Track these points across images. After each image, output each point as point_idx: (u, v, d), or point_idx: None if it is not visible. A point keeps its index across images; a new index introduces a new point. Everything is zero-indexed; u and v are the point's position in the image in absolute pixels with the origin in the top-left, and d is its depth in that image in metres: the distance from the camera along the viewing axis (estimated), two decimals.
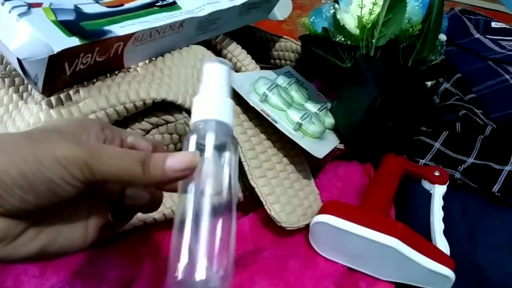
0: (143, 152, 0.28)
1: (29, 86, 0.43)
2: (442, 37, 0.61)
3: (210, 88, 0.28)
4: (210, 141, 0.27)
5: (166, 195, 0.46)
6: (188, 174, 0.26)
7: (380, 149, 0.55)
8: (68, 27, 0.37)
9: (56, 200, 0.24)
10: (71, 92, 0.40)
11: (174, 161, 0.26)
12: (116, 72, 0.43)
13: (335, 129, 0.54)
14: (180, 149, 0.48)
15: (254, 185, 0.44)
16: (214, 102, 0.28)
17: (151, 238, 0.45)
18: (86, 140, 0.27)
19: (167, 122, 0.44)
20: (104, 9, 0.41)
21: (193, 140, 0.27)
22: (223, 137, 0.27)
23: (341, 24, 0.55)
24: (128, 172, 0.25)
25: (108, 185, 0.29)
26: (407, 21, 0.54)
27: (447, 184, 0.51)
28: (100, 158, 0.24)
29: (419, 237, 0.43)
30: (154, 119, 0.44)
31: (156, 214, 0.44)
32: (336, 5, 0.56)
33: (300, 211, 0.45)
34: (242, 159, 0.45)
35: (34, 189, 0.23)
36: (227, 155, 0.27)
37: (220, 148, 0.27)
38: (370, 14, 0.52)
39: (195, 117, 0.28)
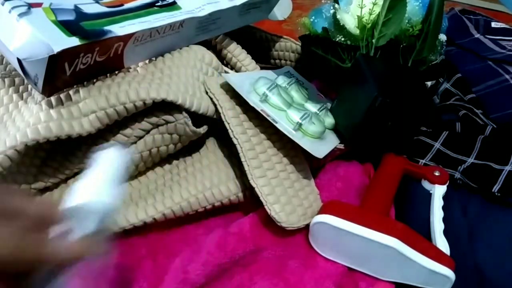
0: None
1: (29, 86, 0.43)
2: (442, 37, 0.61)
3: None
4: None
5: (167, 194, 0.46)
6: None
7: (380, 149, 0.55)
8: (68, 27, 0.37)
9: None
10: (71, 92, 0.40)
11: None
12: (116, 72, 0.43)
13: (335, 129, 0.54)
14: (180, 149, 0.48)
15: (254, 185, 0.44)
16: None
17: (151, 238, 0.45)
18: None
19: (167, 122, 0.44)
20: (104, 9, 0.41)
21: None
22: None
23: (341, 24, 0.55)
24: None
25: None
26: (407, 21, 0.54)
27: (447, 184, 0.51)
28: None
29: (419, 237, 0.43)
30: (154, 119, 0.44)
31: (156, 214, 0.44)
32: (336, 5, 0.56)
33: (300, 211, 0.45)
34: (242, 159, 0.45)
35: None
36: None
37: None
38: (370, 14, 0.52)
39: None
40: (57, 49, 0.34)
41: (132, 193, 0.47)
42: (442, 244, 0.45)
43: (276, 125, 0.47)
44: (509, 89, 0.64)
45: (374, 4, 0.52)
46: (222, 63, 0.52)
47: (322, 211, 0.44)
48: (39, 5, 0.37)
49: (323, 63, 0.57)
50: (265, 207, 0.44)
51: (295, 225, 0.45)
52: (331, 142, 0.52)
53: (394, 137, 0.53)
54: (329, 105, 0.56)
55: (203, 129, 0.47)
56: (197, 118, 0.46)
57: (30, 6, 0.37)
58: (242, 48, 0.54)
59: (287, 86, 0.55)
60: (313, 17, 0.61)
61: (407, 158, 0.55)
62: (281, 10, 0.83)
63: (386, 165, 0.53)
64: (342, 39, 0.56)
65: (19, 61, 0.35)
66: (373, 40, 0.53)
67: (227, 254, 0.43)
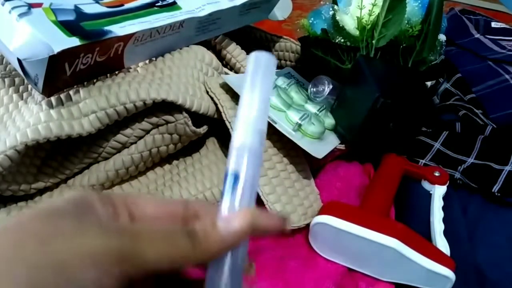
0: (181, 221, 0.22)
1: (29, 86, 0.43)
2: (442, 37, 0.61)
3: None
4: None
5: (166, 194, 0.46)
6: (248, 235, 0.21)
7: (381, 149, 0.55)
8: (68, 27, 0.37)
9: None
10: (71, 92, 0.40)
11: (229, 222, 0.20)
12: (116, 72, 0.43)
13: (335, 129, 0.54)
14: (180, 149, 0.48)
15: None
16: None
17: None
18: (107, 221, 0.20)
19: (167, 122, 0.44)
20: (104, 9, 0.41)
21: None
22: None
23: (341, 25, 0.55)
24: (178, 252, 0.19)
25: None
26: (406, 21, 0.54)
27: (447, 184, 0.51)
28: (139, 241, 0.18)
29: (419, 237, 0.43)
30: (154, 119, 0.44)
31: None
32: (335, 6, 0.56)
33: (300, 211, 0.45)
34: None
35: None
36: None
37: None
38: (370, 15, 0.52)
39: None
40: (57, 49, 0.34)
41: (132, 193, 0.47)
42: (442, 244, 0.45)
43: (276, 125, 0.47)
44: (509, 89, 0.64)
45: (374, 5, 0.52)
46: (222, 64, 0.52)
47: (322, 211, 0.44)
48: (39, 5, 0.37)
49: (323, 64, 0.57)
50: (266, 206, 0.44)
51: (295, 225, 0.45)
52: (331, 143, 0.52)
53: (395, 137, 0.53)
54: (329, 106, 0.56)
55: (203, 129, 0.47)
56: (197, 118, 0.46)
57: (30, 6, 0.37)
58: (242, 48, 0.54)
59: (287, 87, 0.55)
60: (312, 19, 0.61)
61: (407, 158, 0.55)
62: (281, 10, 0.83)
63: (386, 166, 0.53)
64: (342, 40, 0.56)
65: (19, 61, 0.35)
66: (373, 41, 0.53)
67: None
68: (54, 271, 0.16)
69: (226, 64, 0.55)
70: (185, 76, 0.46)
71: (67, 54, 0.35)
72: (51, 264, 0.16)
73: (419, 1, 0.55)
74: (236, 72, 0.54)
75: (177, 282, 0.24)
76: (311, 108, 0.54)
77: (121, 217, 0.21)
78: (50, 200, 0.28)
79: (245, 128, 0.23)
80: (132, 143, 0.45)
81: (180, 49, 0.48)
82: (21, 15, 0.35)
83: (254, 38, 0.64)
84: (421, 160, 0.56)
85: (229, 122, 0.46)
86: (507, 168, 0.53)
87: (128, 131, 0.44)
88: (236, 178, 0.22)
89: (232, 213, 0.21)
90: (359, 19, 0.53)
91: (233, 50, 0.53)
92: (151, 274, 0.20)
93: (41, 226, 0.17)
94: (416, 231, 0.43)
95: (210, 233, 0.20)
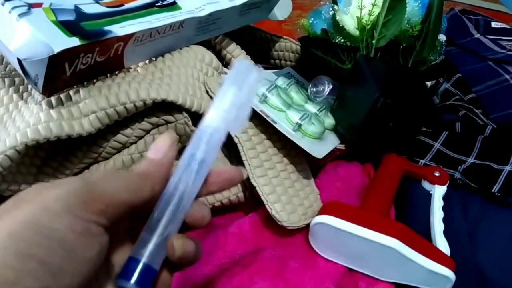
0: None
1: (29, 86, 0.43)
2: (442, 37, 0.61)
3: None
4: None
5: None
6: (174, 150, 0.26)
7: (381, 149, 0.55)
8: (68, 27, 0.37)
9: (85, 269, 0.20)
10: (71, 92, 0.40)
11: (155, 146, 0.26)
12: (116, 72, 0.43)
13: (335, 129, 0.54)
14: (180, 149, 0.48)
15: (255, 184, 0.44)
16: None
17: None
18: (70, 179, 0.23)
19: (167, 122, 0.44)
20: (104, 9, 0.41)
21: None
22: None
23: (341, 25, 0.55)
24: (133, 185, 0.23)
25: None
26: (406, 21, 0.54)
27: (447, 184, 0.51)
28: (97, 183, 0.22)
29: (419, 237, 0.43)
30: (154, 119, 0.44)
31: None
32: (335, 6, 0.56)
33: (300, 211, 0.45)
34: (243, 158, 0.45)
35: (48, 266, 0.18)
36: None
37: None
38: (370, 15, 0.52)
39: None
40: (57, 49, 0.34)
41: None
42: (442, 244, 0.45)
43: (276, 125, 0.47)
44: (509, 89, 0.64)
45: (374, 5, 0.52)
46: (222, 64, 0.52)
47: (322, 211, 0.44)
48: (39, 5, 0.37)
49: (323, 64, 0.57)
50: (266, 206, 0.44)
51: (296, 225, 0.45)
52: (331, 143, 0.52)
53: (395, 137, 0.53)
54: (329, 106, 0.56)
55: None
56: (197, 118, 0.46)
57: (30, 6, 0.37)
58: (242, 48, 0.54)
59: (287, 87, 0.55)
60: (312, 19, 0.61)
61: (407, 158, 0.55)
62: (281, 10, 0.83)
63: (386, 166, 0.53)
64: (342, 40, 0.56)
65: (19, 61, 0.35)
66: (373, 41, 0.53)
67: (227, 254, 0.43)
68: (32, 231, 0.18)
69: (226, 64, 0.55)
70: (185, 76, 0.46)
71: (67, 54, 0.35)
72: (26, 226, 0.18)
73: (419, 1, 0.55)
74: None
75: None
76: (311, 108, 0.54)
77: (92, 174, 0.26)
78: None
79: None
80: (132, 143, 0.45)
81: (180, 49, 0.48)
82: (21, 15, 0.35)
83: (254, 38, 0.64)
84: (421, 160, 0.56)
85: None
86: (507, 168, 0.53)
87: (128, 131, 0.44)
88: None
89: (155, 143, 0.26)
90: (359, 19, 0.53)
91: (233, 50, 0.53)
92: (123, 211, 0.23)
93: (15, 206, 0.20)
94: (416, 231, 0.43)
95: (147, 165, 0.25)
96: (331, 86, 0.55)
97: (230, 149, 0.49)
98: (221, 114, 0.27)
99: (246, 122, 0.28)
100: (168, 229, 0.25)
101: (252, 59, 0.54)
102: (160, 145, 0.26)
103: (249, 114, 0.28)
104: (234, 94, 0.27)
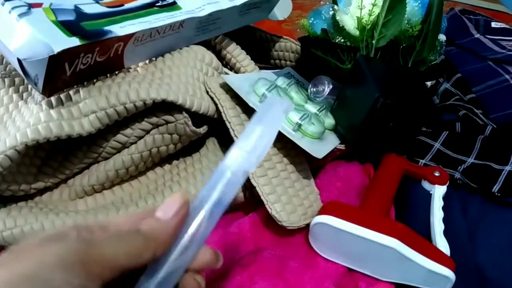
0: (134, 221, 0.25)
1: (29, 86, 0.43)
2: (442, 37, 0.61)
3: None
4: None
5: (166, 194, 0.46)
6: (185, 211, 0.25)
7: (381, 149, 0.55)
8: (68, 27, 0.37)
9: None
10: (71, 92, 0.40)
11: (165, 206, 0.25)
12: (116, 72, 0.43)
13: (335, 129, 0.54)
14: (180, 149, 0.48)
15: (255, 184, 0.44)
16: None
17: None
18: (71, 237, 0.23)
19: (167, 122, 0.44)
20: (104, 9, 0.41)
21: None
22: None
23: (341, 25, 0.55)
24: (133, 248, 0.23)
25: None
26: (406, 21, 0.54)
27: (447, 184, 0.51)
28: (96, 244, 0.21)
29: (419, 237, 0.43)
30: (154, 119, 0.44)
31: None
32: (335, 6, 0.56)
33: (300, 211, 0.45)
34: None
35: None
36: None
37: None
38: (370, 15, 0.52)
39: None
40: (57, 49, 0.34)
41: (132, 193, 0.47)
42: (442, 244, 0.45)
43: None
44: (509, 89, 0.64)
45: (374, 5, 0.52)
46: (222, 64, 0.52)
47: (322, 211, 0.44)
48: (39, 5, 0.37)
49: (323, 64, 0.57)
50: (266, 206, 0.44)
51: (296, 225, 0.45)
52: (331, 143, 0.52)
53: (395, 137, 0.53)
54: (329, 106, 0.56)
55: (203, 129, 0.47)
56: (197, 118, 0.46)
57: (30, 6, 0.37)
58: (242, 48, 0.54)
59: (287, 87, 0.55)
60: (312, 19, 0.61)
61: (407, 158, 0.55)
62: (281, 10, 0.83)
63: (386, 166, 0.53)
64: (342, 40, 0.56)
65: (19, 61, 0.35)
66: (373, 41, 0.53)
67: (227, 254, 0.43)
68: (28, 284, 0.19)
69: (226, 64, 0.55)
70: (185, 76, 0.46)
71: (67, 54, 0.36)
72: (24, 279, 0.19)
73: (419, 1, 0.55)
74: (236, 72, 0.54)
75: None
76: (311, 108, 0.54)
77: (94, 233, 0.23)
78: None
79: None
80: (132, 143, 0.45)
81: (180, 49, 0.48)
82: (21, 15, 0.35)
83: (254, 38, 0.64)
84: (421, 160, 0.56)
85: (229, 122, 0.46)
86: (507, 168, 0.53)
87: (128, 131, 0.44)
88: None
89: (165, 202, 0.25)
90: (359, 19, 0.53)
91: (233, 50, 0.53)
92: (119, 274, 0.22)
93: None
94: (416, 231, 0.43)
95: (154, 225, 0.24)
96: (331, 86, 0.55)
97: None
98: (244, 155, 0.26)
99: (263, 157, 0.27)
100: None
101: (252, 59, 0.54)
102: (170, 204, 0.25)
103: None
104: (260, 135, 0.26)
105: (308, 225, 0.45)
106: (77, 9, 0.40)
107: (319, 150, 0.48)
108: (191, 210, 0.25)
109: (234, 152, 0.26)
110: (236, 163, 0.26)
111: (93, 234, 0.23)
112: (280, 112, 0.27)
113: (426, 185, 0.52)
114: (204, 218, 0.25)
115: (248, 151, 0.26)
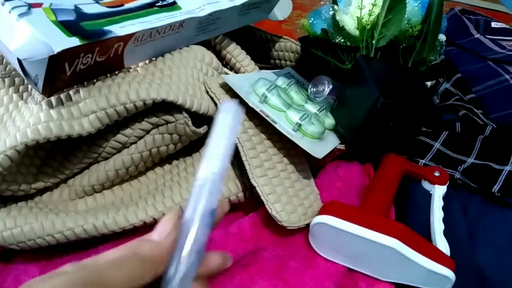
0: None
1: (29, 86, 0.43)
2: (442, 37, 0.61)
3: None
4: None
5: (166, 195, 0.46)
6: (176, 227, 0.26)
7: (381, 149, 0.55)
8: (68, 27, 0.37)
9: None
10: (71, 92, 0.40)
11: (160, 227, 0.26)
12: (116, 72, 0.43)
13: (335, 129, 0.54)
14: (180, 149, 0.48)
15: (255, 184, 0.44)
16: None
17: None
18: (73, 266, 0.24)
19: (167, 122, 0.44)
20: (104, 9, 0.41)
21: None
22: None
23: (341, 25, 0.55)
24: (132, 271, 0.24)
25: None
26: (406, 21, 0.54)
27: (447, 184, 0.51)
28: (100, 270, 0.22)
29: (419, 237, 0.43)
30: (154, 119, 0.44)
31: (156, 214, 0.44)
32: (335, 7, 0.56)
33: (300, 211, 0.45)
34: (243, 158, 0.45)
35: None
36: None
37: None
38: (370, 15, 0.52)
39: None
40: (57, 49, 0.34)
41: (132, 193, 0.47)
42: (442, 244, 0.45)
43: (276, 125, 0.47)
44: (509, 89, 0.64)
45: (374, 5, 0.52)
46: (222, 64, 0.52)
47: (322, 211, 0.44)
48: (39, 5, 0.37)
49: (323, 64, 0.57)
50: (266, 206, 0.44)
51: (296, 225, 0.45)
52: (331, 143, 0.52)
53: (395, 137, 0.53)
54: (329, 106, 0.56)
55: (203, 129, 0.47)
56: (197, 118, 0.46)
57: (30, 6, 0.37)
58: (242, 48, 0.54)
59: (287, 87, 0.55)
60: (312, 19, 0.61)
61: (407, 158, 0.55)
62: (281, 10, 0.83)
63: (386, 166, 0.53)
64: (342, 40, 0.56)
65: (19, 61, 0.35)
66: (373, 41, 0.53)
67: None
68: None
69: (226, 64, 0.55)
70: (185, 76, 0.46)
71: (67, 54, 0.36)
72: None
73: (419, 1, 0.55)
74: (236, 72, 0.54)
75: None
76: (311, 108, 0.54)
77: (91, 262, 0.24)
78: None
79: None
80: (132, 143, 0.45)
81: (180, 49, 0.48)
82: (21, 15, 0.35)
83: (254, 38, 0.64)
84: (421, 160, 0.56)
85: None
86: (507, 168, 0.53)
87: (128, 131, 0.44)
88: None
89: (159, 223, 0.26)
90: (359, 19, 0.53)
91: (233, 50, 0.53)
92: None
93: None
94: (416, 231, 0.43)
95: (150, 246, 0.25)
96: (331, 86, 0.55)
97: None
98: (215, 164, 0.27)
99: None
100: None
101: (252, 59, 0.54)
102: (164, 225, 0.26)
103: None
104: (225, 144, 0.28)
105: (308, 225, 0.45)
106: (77, 9, 0.40)
107: (319, 150, 0.48)
108: (184, 222, 0.26)
109: (205, 163, 0.27)
110: (208, 171, 0.27)
111: (96, 259, 0.24)
112: (231, 117, 0.29)
113: (426, 185, 0.52)
114: (198, 227, 0.26)
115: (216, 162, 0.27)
